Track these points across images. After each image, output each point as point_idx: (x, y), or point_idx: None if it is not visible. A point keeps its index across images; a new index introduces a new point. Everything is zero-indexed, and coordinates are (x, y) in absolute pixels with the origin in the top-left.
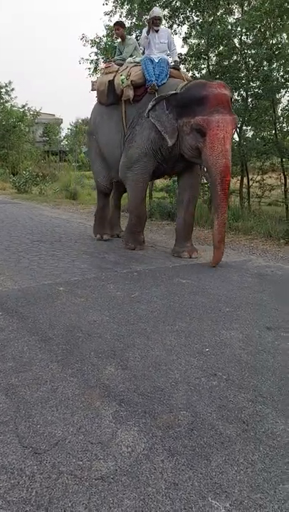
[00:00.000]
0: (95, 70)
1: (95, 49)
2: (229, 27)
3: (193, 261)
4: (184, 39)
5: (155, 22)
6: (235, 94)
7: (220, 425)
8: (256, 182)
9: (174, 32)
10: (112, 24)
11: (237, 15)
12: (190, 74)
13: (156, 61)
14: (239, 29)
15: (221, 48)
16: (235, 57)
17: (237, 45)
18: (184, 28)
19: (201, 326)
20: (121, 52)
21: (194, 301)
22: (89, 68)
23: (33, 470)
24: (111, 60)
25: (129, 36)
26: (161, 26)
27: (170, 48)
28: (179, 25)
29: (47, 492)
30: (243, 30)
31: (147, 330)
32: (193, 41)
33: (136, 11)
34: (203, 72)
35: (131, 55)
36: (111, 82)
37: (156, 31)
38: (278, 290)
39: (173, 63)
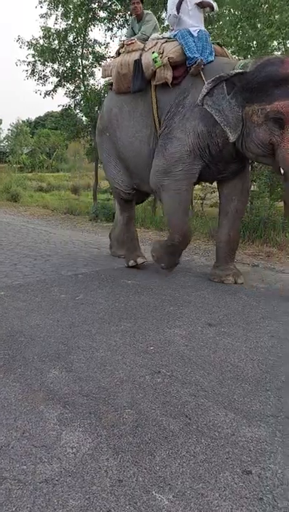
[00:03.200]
0: (33, 72)
1: (32, 51)
2: None
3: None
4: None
5: None
6: None
7: (164, 421)
8: (198, 184)
9: (114, 35)
10: (48, 25)
11: None
12: None
13: (195, 35)
14: None
15: None
16: None
17: None
18: (124, 32)
19: (146, 325)
20: (134, 33)
21: (139, 301)
22: (26, 70)
23: None
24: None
25: (147, 11)
26: None
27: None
28: (118, 28)
29: None
30: None
31: (92, 331)
32: None
33: (72, 12)
34: None
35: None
36: (138, 63)
37: None
38: (219, 288)
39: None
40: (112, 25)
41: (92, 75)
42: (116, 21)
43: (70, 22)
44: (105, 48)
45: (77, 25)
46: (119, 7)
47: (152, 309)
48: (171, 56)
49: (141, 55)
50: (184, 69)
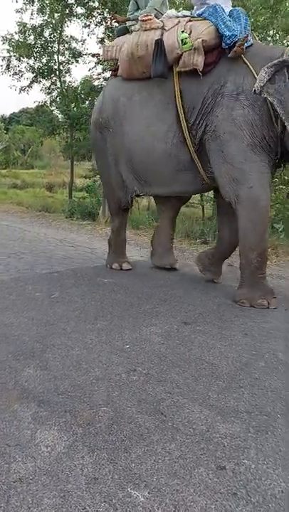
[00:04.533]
0: (8, 67)
1: (7, 46)
2: None
3: None
4: (101, 41)
5: None
6: None
7: (139, 418)
8: None
9: (92, 32)
10: (24, 21)
11: None
12: (108, 75)
13: (228, 13)
14: None
15: None
16: None
17: None
18: (101, 29)
19: (122, 324)
20: (138, 7)
21: (115, 300)
22: (1, 65)
23: None
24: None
25: None
26: None
27: None
28: (96, 25)
29: None
30: None
31: (68, 330)
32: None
33: (48, 8)
34: None
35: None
36: (159, 43)
37: None
38: (194, 286)
39: None
40: (90, 22)
41: (68, 71)
42: (93, 18)
43: (46, 17)
44: (82, 44)
45: (53, 21)
46: (96, 4)
47: (128, 308)
48: (205, 39)
49: (162, 35)
50: (216, 54)
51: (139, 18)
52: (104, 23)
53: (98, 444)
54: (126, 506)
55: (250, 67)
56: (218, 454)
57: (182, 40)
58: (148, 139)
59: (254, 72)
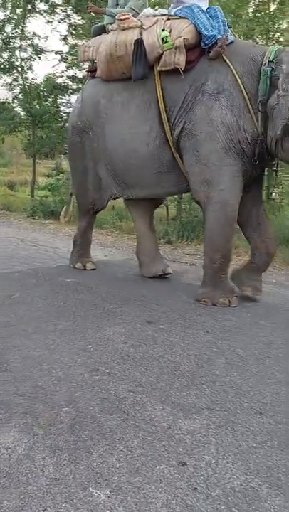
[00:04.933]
0: None
1: None
2: None
3: None
4: (65, 38)
5: None
6: None
7: (101, 417)
8: None
9: (55, 29)
10: None
11: None
12: (71, 73)
13: (206, 10)
14: None
15: None
16: None
17: None
18: (65, 27)
19: (85, 324)
20: (117, 4)
21: (79, 300)
22: None
23: None
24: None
25: None
26: None
27: None
28: (59, 22)
29: None
30: None
31: (29, 331)
32: (73, 41)
33: (9, 2)
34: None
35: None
36: (139, 43)
37: None
38: (159, 286)
39: None
40: (52, 18)
41: (30, 68)
42: (56, 15)
43: (7, 13)
44: (45, 41)
45: (15, 17)
46: (59, 1)
47: (92, 307)
48: (187, 37)
49: (141, 34)
50: (198, 52)
51: (117, 18)
52: (67, 20)
53: (59, 445)
54: (87, 506)
55: (231, 65)
56: (180, 451)
57: (163, 39)
58: (130, 141)
59: (234, 71)
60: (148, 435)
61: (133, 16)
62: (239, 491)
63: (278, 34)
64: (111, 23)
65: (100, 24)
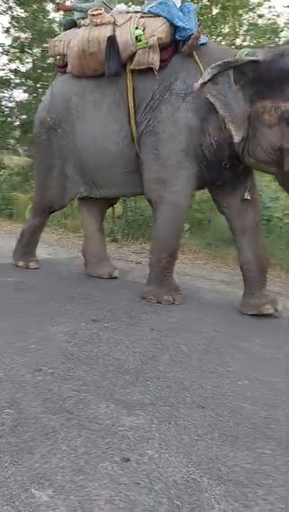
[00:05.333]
0: None
1: None
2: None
3: None
4: (7, 30)
5: None
6: None
7: (44, 418)
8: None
9: None
10: None
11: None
12: (14, 66)
13: (180, 7)
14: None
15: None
16: None
17: None
18: (7, 18)
19: (28, 323)
20: None
21: (21, 299)
22: None
23: None
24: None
25: None
26: None
27: None
28: (0, 13)
29: None
30: None
31: None
32: (15, 34)
33: None
34: (29, 65)
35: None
36: (112, 40)
37: None
38: (104, 284)
39: None
40: None
41: None
42: None
43: None
44: None
45: None
46: None
47: (35, 307)
48: (160, 36)
49: (114, 31)
50: (170, 51)
51: (89, 13)
52: (10, 12)
53: (1, 448)
54: (29, 507)
55: (201, 66)
56: (123, 447)
57: (136, 37)
58: (102, 140)
59: (204, 73)
60: (92, 433)
61: (105, 11)
62: (181, 483)
63: (220, 38)
64: (83, 18)
65: (70, 18)
